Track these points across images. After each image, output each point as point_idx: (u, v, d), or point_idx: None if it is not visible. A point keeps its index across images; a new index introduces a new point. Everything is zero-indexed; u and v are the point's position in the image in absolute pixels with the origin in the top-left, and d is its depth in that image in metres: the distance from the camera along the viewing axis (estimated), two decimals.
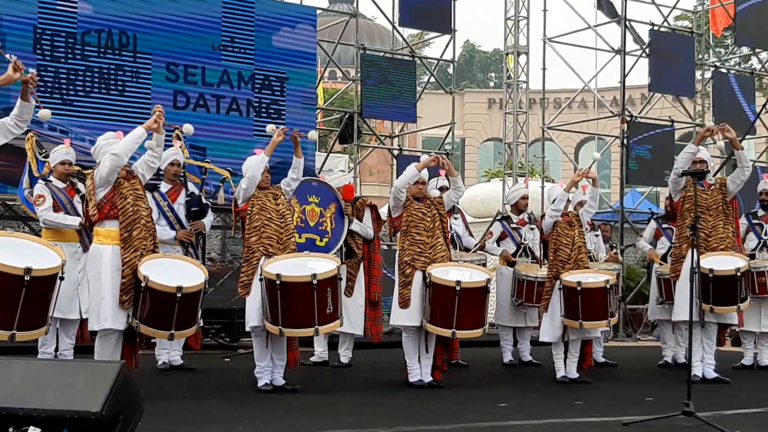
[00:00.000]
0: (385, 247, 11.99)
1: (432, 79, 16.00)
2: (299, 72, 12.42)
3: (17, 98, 6.02)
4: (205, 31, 11.65)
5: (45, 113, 6.65)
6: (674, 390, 7.10)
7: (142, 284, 6.38)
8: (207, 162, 10.09)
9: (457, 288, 7.44)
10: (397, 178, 14.43)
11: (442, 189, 8.88)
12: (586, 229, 8.82)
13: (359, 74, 13.95)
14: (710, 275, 8.01)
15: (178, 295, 6.41)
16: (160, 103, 10.98)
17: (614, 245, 12.36)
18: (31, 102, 6.04)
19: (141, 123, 10.83)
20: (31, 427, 4.22)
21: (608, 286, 8.07)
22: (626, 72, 15.21)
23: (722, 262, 8.18)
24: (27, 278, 5.48)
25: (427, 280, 7.57)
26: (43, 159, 8.21)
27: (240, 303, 7.74)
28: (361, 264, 8.99)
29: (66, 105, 10.66)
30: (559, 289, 8.18)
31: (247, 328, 7.42)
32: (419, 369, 7.78)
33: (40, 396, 4.29)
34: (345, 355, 9.35)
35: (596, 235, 10.15)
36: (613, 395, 7.78)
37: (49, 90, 10.60)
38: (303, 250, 7.87)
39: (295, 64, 12.37)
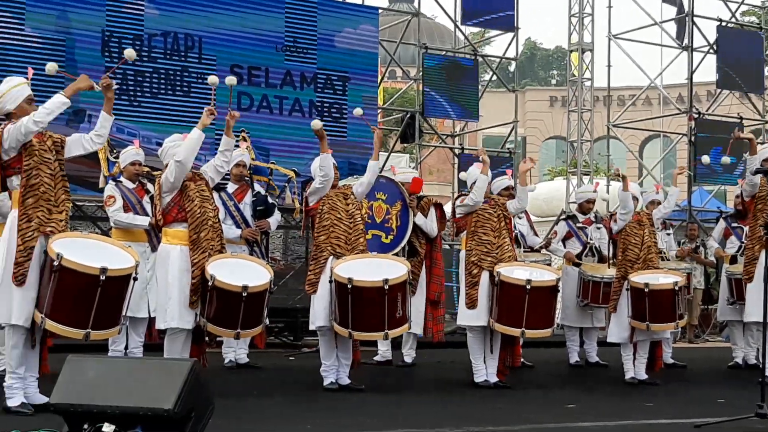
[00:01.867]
0: (447, 247, 11.95)
1: (493, 78, 15.90)
2: (361, 72, 12.44)
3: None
4: (269, 32, 11.73)
5: (130, 52, 6.64)
6: (746, 392, 6.96)
7: (209, 283, 6.44)
8: (272, 163, 10.17)
9: (527, 287, 7.38)
10: (458, 176, 14.46)
11: (507, 189, 8.84)
12: (658, 228, 8.70)
13: (420, 73, 13.92)
14: None
15: (244, 294, 6.46)
16: (222, 105, 11.21)
17: (698, 243, 12.15)
18: (112, 116, 6.14)
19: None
20: (106, 424, 4.30)
21: (677, 287, 7.94)
22: (693, 69, 14.96)
23: None
24: (102, 278, 5.56)
25: (496, 279, 7.52)
26: (113, 160, 8.34)
27: (303, 302, 7.79)
28: (423, 263, 8.96)
29: (134, 107, 10.83)
30: (627, 289, 8.07)
31: (312, 327, 7.45)
32: (485, 369, 7.73)
33: (114, 393, 4.36)
34: (408, 354, 9.34)
35: (668, 234, 9.99)
36: (683, 397, 7.67)
37: (117, 92, 10.73)
38: (369, 246, 7.85)
39: (356, 64, 12.39)
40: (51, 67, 6.36)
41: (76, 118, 10.37)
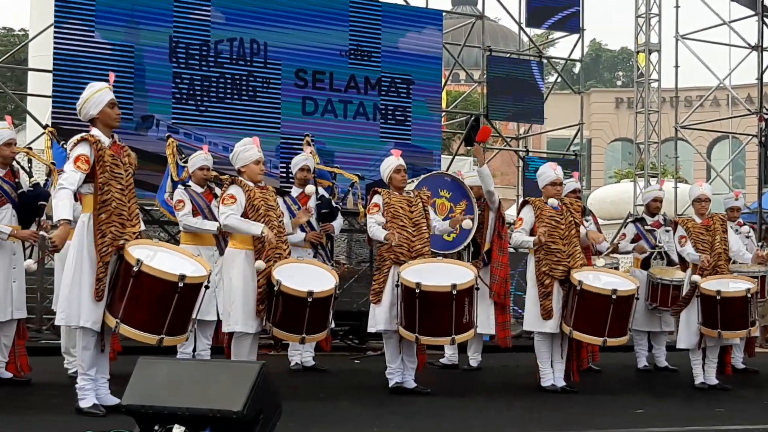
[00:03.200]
0: (512, 251, 11.86)
1: (558, 79, 15.78)
2: (425, 75, 12.42)
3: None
4: (333, 36, 11.79)
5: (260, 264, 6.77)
6: None
7: (275, 288, 6.49)
8: (336, 168, 10.21)
9: (613, 297, 7.29)
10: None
11: (573, 192, 8.75)
12: (736, 230, 8.49)
13: (485, 76, 13.87)
14: None
15: (309, 299, 6.49)
16: (288, 110, 11.32)
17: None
18: None
19: (271, 129, 11.18)
20: (176, 426, 4.35)
21: (749, 294, 7.78)
22: (763, 69, 14.66)
23: None
24: (181, 285, 5.63)
25: (577, 288, 7.39)
26: (182, 164, 8.46)
27: (367, 305, 7.80)
28: (489, 266, 8.91)
29: (200, 112, 10.98)
30: (697, 296, 7.92)
31: (371, 330, 7.45)
32: (552, 373, 7.67)
33: (184, 395, 4.42)
34: (474, 358, 9.30)
35: (747, 236, 9.75)
36: (755, 402, 7.51)
37: (184, 98, 10.93)
38: (431, 244, 7.82)
39: (420, 67, 12.38)
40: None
41: (144, 124, 10.58)
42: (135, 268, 5.57)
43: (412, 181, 9.32)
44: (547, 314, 7.57)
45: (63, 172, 5.83)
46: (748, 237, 9.82)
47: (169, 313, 5.60)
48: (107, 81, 6.03)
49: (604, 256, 9.64)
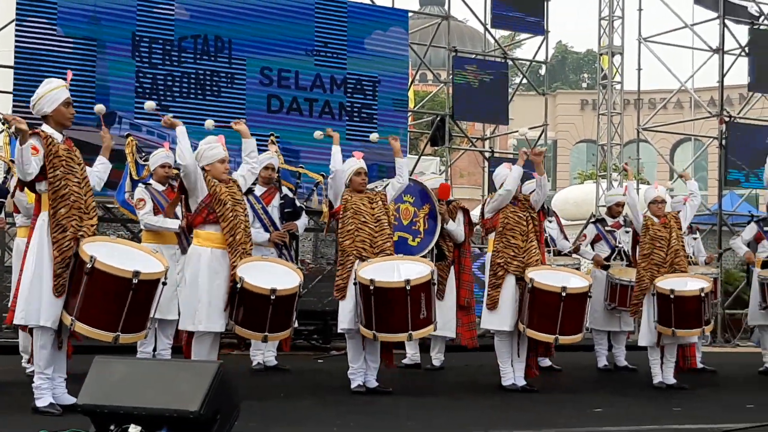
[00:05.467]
0: (477, 251, 11.92)
1: (524, 81, 15.87)
2: (391, 75, 12.44)
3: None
4: (299, 35, 11.77)
5: (100, 107, 6.78)
6: None
7: (238, 286, 6.47)
8: (301, 167, 10.19)
9: (563, 294, 7.34)
10: (488, 180, 14.44)
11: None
12: (684, 233, 8.62)
13: (450, 76, 13.92)
14: None
15: (272, 297, 6.47)
16: (252, 107, 11.28)
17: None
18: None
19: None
20: (132, 426, 4.33)
21: (703, 294, 7.88)
22: (725, 71, 14.83)
23: None
24: (135, 281, 5.60)
25: (529, 285, 7.48)
26: (143, 162, 8.40)
27: (332, 305, 7.80)
28: (452, 267, 8.95)
29: (163, 110, 10.87)
30: (653, 294, 8.02)
31: (340, 330, 7.47)
32: (512, 373, 7.71)
33: (140, 395, 4.39)
34: (437, 357, 9.34)
35: (694, 238, 9.91)
36: (712, 402, 7.60)
37: (147, 95, 10.85)
38: (396, 248, 7.85)
39: (386, 67, 12.40)
40: (99, 108, 6.62)
41: (106, 120, 10.46)
42: (89, 265, 5.54)
43: (377, 184, 9.34)
44: (492, 304, 7.63)
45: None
46: (695, 239, 9.97)
47: (125, 310, 5.57)
48: (65, 78, 5.98)
49: (566, 255, 9.74)
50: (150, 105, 6.86)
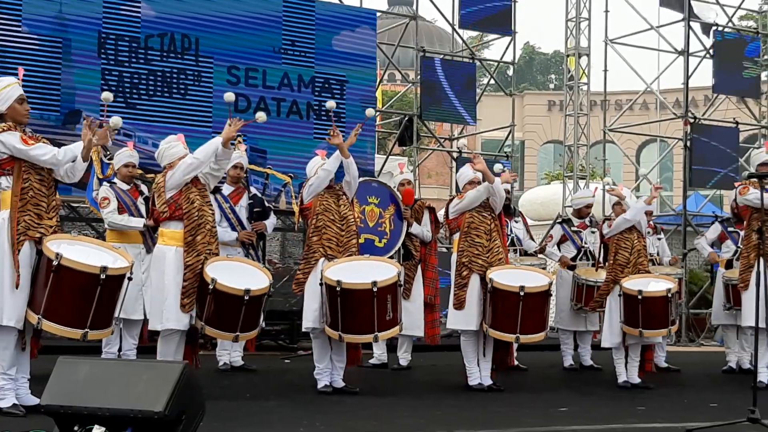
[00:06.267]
0: (444, 250, 11.96)
1: (492, 81, 15.93)
2: (359, 74, 12.43)
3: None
4: (266, 34, 11.73)
5: (116, 120, 6.75)
6: (739, 396, 6.99)
7: (210, 286, 6.44)
8: (269, 168, 10.16)
9: (521, 293, 7.38)
10: (455, 180, 14.47)
11: (505, 192, 8.85)
12: (648, 232, 8.71)
13: (419, 76, 13.94)
14: None
15: (246, 297, 6.47)
16: (220, 107, 11.21)
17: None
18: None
19: (202, 126, 11.06)
20: (96, 426, 4.29)
21: (669, 294, 7.95)
22: (690, 73, 14.98)
23: None
24: (103, 277, 5.57)
25: (489, 286, 7.51)
26: (107, 161, 8.35)
27: (299, 305, 7.79)
28: (419, 266, 8.98)
29: (129, 108, 10.82)
30: (619, 295, 8.08)
31: (304, 329, 7.46)
32: (478, 372, 7.75)
33: (104, 395, 4.36)
34: (404, 357, 9.35)
35: (659, 239, 10.02)
36: (676, 401, 7.67)
37: (112, 93, 10.75)
38: (362, 250, 7.87)
39: (354, 67, 12.38)
40: (115, 121, 6.80)
41: (71, 119, 10.40)
42: (55, 263, 5.50)
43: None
44: (459, 304, 7.67)
45: None
46: (660, 240, 10.08)
47: (93, 306, 5.54)
48: (17, 75, 5.93)
49: (532, 255, 9.80)
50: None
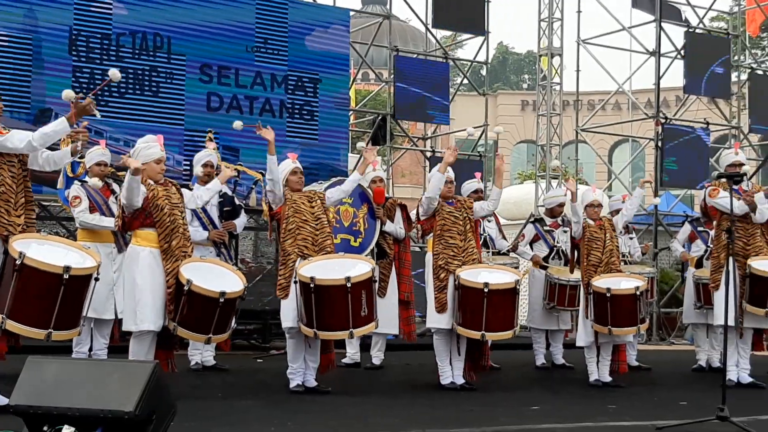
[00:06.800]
0: (417, 249, 11.98)
1: (465, 81, 15.97)
2: (332, 74, 12.41)
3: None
4: (239, 33, 11.68)
5: (115, 72, 6.64)
6: (709, 394, 7.05)
7: (185, 287, 6.41)
8: (240, 165, 10.12)
9: (486, 290, 7.41)
10: (428, 180, 14.51)
11: (476, 192, 8.90)
12: (620, 232, 8.76)
13: (392, 76, 13.95)
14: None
15: (221, 300, 6.45)
16: (193, 105, 11.17)
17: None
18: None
19: (175, 124, 11.01)
20: (66, 426, 4.26)
21: (638, 292, 8.00)
22: (661, 74, 15.08)
23: None
24: (66, 277, 5.54)
25: (456, 282, 7.54)
26: (78, 160, 8.28)
27: (272, 304, 7.78)
28: (393, 264, 8.98)
29: (100, 106, 10.68)
30: (589, 294, 8.13)
31: (283, 327, 7.44)
32: (451, 371, 7.77)
33: (74, 395, 4.33)
34: (377, 356, 9.35)
35: (630, 238, 10.08)
36: (646, 399, 7.72)
37: (84, 91, 10.67)
38: (338, 250, 7.87)
39: (328, 66, 12.36)
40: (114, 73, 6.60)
41: (42, 117, 10.30)
42: (18, 261, 5.47)
43: (321, 182, 9.34)
44: (441, 307, 7.68)
45: None
46: (632, 239, 10.15)
47: (56, 306, 5.50)
48: None
49: (503, 254, 9.84)
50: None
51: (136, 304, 6.55)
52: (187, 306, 6.46)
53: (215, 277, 6.65)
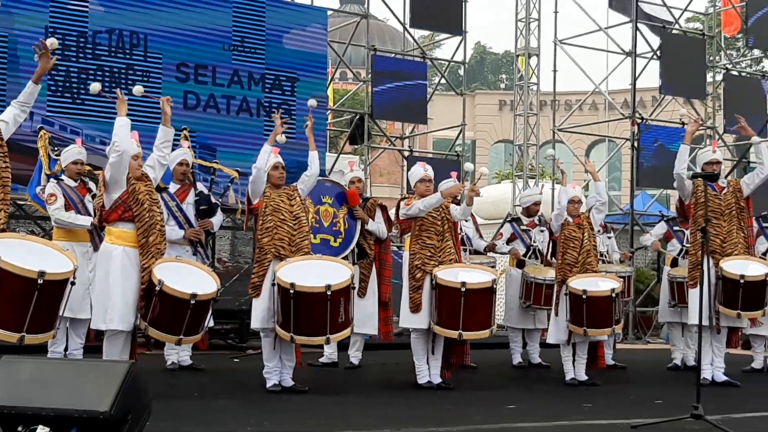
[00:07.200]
0: (395, 248, 11.98)
1: (443, 81, 15.99)
2: (310, 73, 12.41)
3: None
4: (216, 31, 11.66)
5: (138, 89, 6.69)
6: (683, 393, 7.10)
7: (157, 288, 6.37)
8: (216, 162, 10.09)
9: (463, 289, 7.41)
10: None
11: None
12: (599, 231, 8.80)
13: (370, 75, 13.95)
14: (741, 281, 7.97)
15: (192, 302, 6.42)
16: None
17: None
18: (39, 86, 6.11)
19: (151, 122, 10.96)
20: (40, 426, 4.23)
21: (614, 294, 8.04)
22: (637, 74, 15.17)
23: (750, 268, 8.13)
24: (40, 281, 5.49)
25: (433, 282, 7.55)
26: (55, 157, 8.24)
27: (249, 304, 7.74)
28: (373, 264, 8.97)
29: (77, 104, 10.69)
30: (565, 294, 8.16)
31: (252, 328, 7.42)
32: (428, 370, 7.77)
33: (49, 395, 4.30)
34: (355, 356, 9.34)
35: (609, 237, 10.13)
36: (621, 398, 7.76)
37: (60, 89, 10.63)
38: (317, 251, 7.84)
39: (305, 65, 12.36)
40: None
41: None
42: None
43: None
44: (415, 307, 7.68)
45: None
46: (610, 238, 10.20)
47: (30, 310, 5.46)
48: None
49: (481, 254, 9.86)
50: (96, 87, 6.68)
51: (106, 303, 6.51)
52: (159, 306, 6.42)
53: (188, 278, 6.60)
